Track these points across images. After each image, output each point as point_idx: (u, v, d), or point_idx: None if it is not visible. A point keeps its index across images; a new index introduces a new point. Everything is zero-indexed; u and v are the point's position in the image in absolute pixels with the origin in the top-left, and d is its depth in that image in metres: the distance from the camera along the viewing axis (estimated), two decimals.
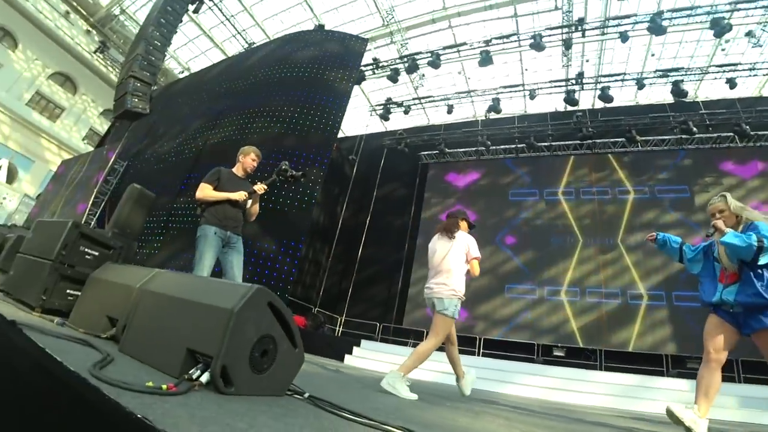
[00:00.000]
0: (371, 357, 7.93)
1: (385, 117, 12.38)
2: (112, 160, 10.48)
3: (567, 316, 9.98)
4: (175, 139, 9.83)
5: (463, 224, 3.51)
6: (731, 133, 10.54)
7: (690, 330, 8.74)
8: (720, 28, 9.37)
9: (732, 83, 10.68)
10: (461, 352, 6.31)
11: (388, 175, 13.07)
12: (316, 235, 11.73)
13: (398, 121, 13.75)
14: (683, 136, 10.73)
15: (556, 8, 11.31)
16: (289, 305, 9.59)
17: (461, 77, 13.73)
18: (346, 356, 8.00)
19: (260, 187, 3.32)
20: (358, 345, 8.51)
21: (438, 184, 12.56)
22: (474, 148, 12.12)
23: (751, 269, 2.42)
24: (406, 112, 12.40)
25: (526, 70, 13.87)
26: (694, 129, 10.53)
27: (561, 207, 11.16)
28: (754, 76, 11.12)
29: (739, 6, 9.79)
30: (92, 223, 9.93)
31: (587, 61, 13.19)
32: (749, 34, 10.81)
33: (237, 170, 3.48)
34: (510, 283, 10.62)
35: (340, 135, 14.49)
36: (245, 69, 10.66)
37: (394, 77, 11.04)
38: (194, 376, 1.35)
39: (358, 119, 14.93)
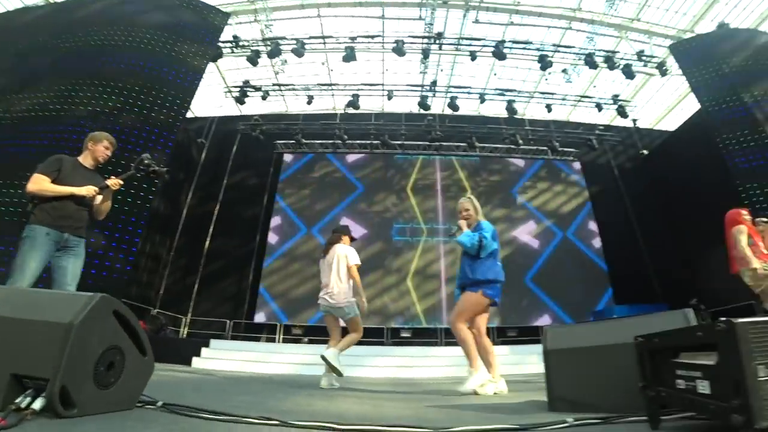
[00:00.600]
0: (222, 357, 8.45)
1: (240, 100, 13.61)
2: None
3: (413, 300, 12.87)
4: None
5: (345, 239, 4.77)
6: (546, 147, 15.18)
7: (507, 306, 12.52)
8: (544, 63, 13.52)
9: (548, 108, 15.29)
10: (318, 342, 8.34)
11: (241, 162, 14.11)
12: (154, 226, 12.05)
13: (254, 106, 15.02)
14: (512, 146, 14.95)
15: (420, 18, 14.21)
16: None
17: (324, 68, 15.94)
18: (194, 359, 8.23)
19: (114, 182, 3.27)
20: (207, 345, 8.97)
21: (294, 173, 14.43)
22: (331, 141, 14.40)
23: (470, 258, 3.68)
24: (264, 98, 13.81)
25: (387, 70, 16.88)
26: (520, 141, 14.78)
27: (409, 202, 14.14)
28: (563, 104, 16.12)
29: (559, 49, 14.38)
30: None
31: (441, 70, 16.82)
32: (564, 71, 15.73)
33: (84, 159, 3.36)
34: (361, 273, 13.05)
35: (189, 115, 15.18)
36: (74, 22, 10.24)
37: (254, 59, 12.38)
38: (23, 404, 1.35)
39: (211, 99, 15.73)
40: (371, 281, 12.49)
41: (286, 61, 14.37)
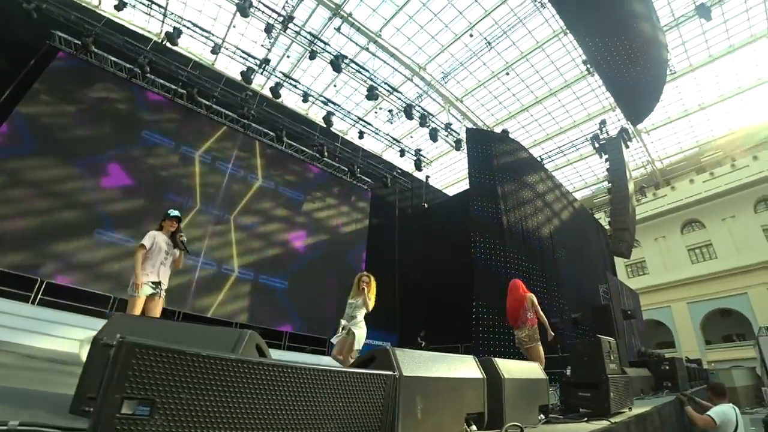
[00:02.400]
0: None
1: None
2: None
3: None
4: None
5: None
6: (346, 169, 15.99)
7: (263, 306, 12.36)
8: (372, 94, 14.24)
9: (361, 134, 16.25)
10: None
11: None
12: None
13: None
14: (316, 155, 15.26)
15: None
16: None
17: None
18: None
19: None
20: None
21: (62, 80, 11.44)
22: (129, 65, 12.26)
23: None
24: None
25: (234, 27, 15.53)
26: (326, 154, 15.23)
27: (193, 168, 12.97)
28: (375, 138, 17.40)
29: (391, 91, 15.49)
30: None
31: (288, 57, 16.32)
32: (390, 112, 17.05)
33: None
34: (107, 225, 11.15)
35: None
36: None
37: None
38: None
39: None
40: (116, 240, 10.90)
41: None
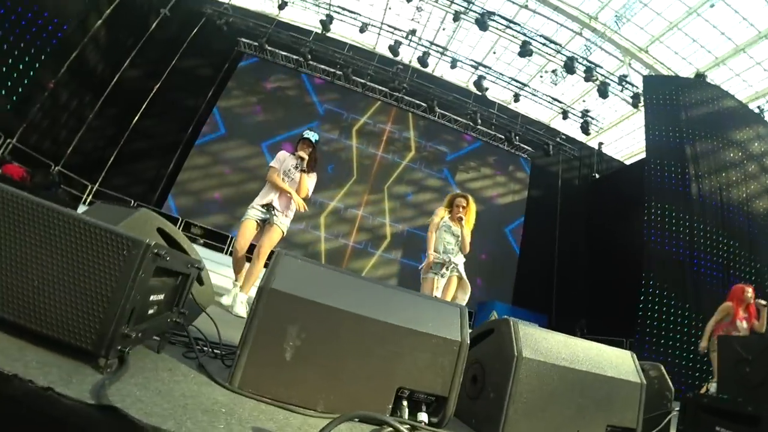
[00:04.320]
0: None
1: None
2: None
3: (320, 236, 13.29)
4: None
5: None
6: (503, 136, 15.07)
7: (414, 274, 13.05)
8: (525, 50, 13.06)
9: (516, 97, 15.01)
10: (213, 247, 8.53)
11: (197, 48, 13.46)
12: (80, 75, 11.67)
13: None
14: (470, 123, 14.79)
15: None
16: (14, 153, 9.98)
17: None
18: None
19: None
20: None
21: (246, 77, 13.94)
22: (295, 56, 13.95)
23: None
24: None
25: (390, 8, 15.93)
26: (479, 122, 14.63)
27: (350, 141, 14.16)
28: (533, 100, 15.73)
29: (546, 43, 13.81)
30: None
31: (444, 29, 15.95)
32: (554, 72, 15.20)
33: None
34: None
35: None
36: None
37: None
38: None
39: None
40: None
41: None
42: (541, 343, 1.83)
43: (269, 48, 13.64)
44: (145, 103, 12.94)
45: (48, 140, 11.14)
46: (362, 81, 14.19)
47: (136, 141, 12.86)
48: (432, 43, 14.25)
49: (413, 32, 13.54)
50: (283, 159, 4.19)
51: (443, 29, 15.61)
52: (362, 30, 13.39)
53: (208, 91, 13.49)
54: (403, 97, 14.38)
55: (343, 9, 13.49)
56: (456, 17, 12.30)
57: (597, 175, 15.28)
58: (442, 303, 1.86)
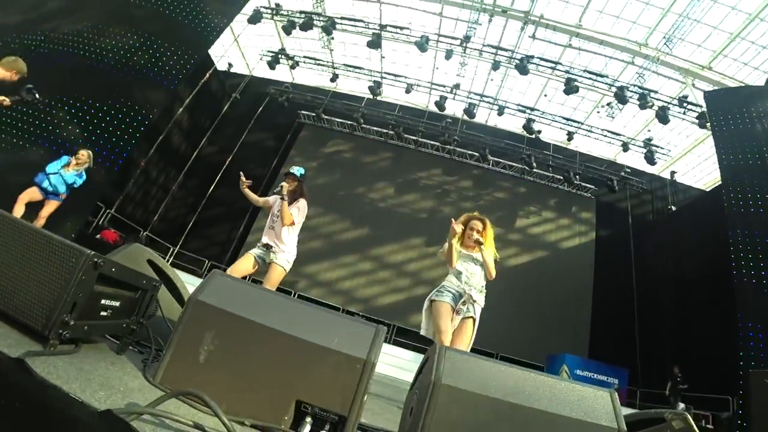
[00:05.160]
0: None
1: (272, 65, 14.76)
2: None
3: (381, 290, 13.37)
4: (25, 14, 11.13)
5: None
6: (561, 177, 14.69)
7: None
8: (570, 87, 13.17)
9: (570, 136, 14.80)
10: None
11: (264, 124, 15.17)
12: (170, 159, 13.72)
13: (284, 73, 16.15)
14: (525, 168, 14.67)
15: (477, 22, 14.02)
16: (112, 221, 11.56)
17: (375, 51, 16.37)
18: None
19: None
20: None
21: (306, 145, 15.19)
22: (349, 122, 15.07)
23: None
24: (292, 67, 14.91)
25: (437, 68, 16.90)
26: (534, 164, 14.48)
27: (407, 197, 14.56)
28: (588, 137, 15.39)
29: (589, 76, 13.82)
30: None
31: (492, 80, 16.57)
32: (609, 105, 14.96)
33: None
34: (342, 251, 13.78)
35: (232, 70, 16.65)
36: None
37: (288, 29, 13.38)
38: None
39: (252, 58, 17.04)
40: (348, 263, 13.26)
41: (333, 37, 15.13)
42: (474, 373, 1.67)
43: (325, 116, 14.90)
44: (219, 175, 14.43)
45: (140, 209, 12.77)
46: (414, 138, 14.83)
47: (212, 208, 14.26)
48: (477, 94, 14.74)
49: (457, 86, 14.13)
50: (273, 201, 4.29)
51: (491, 79, 16.16)
52: (408, 91, 14.28)
53: (273, 160, 14.80)
54: (454, 149, 14.76)
55: (389, 74, 14.53)
56: (495, 66, 12.74)
57: (674, 207, 14.13)
58: (358, 323, 1.82)
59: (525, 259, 13.91)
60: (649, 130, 16.07)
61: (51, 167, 5.67)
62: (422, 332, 3.65)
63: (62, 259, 1.58)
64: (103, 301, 1.79)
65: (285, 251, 4.00)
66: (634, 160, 15.03)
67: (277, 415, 1.52)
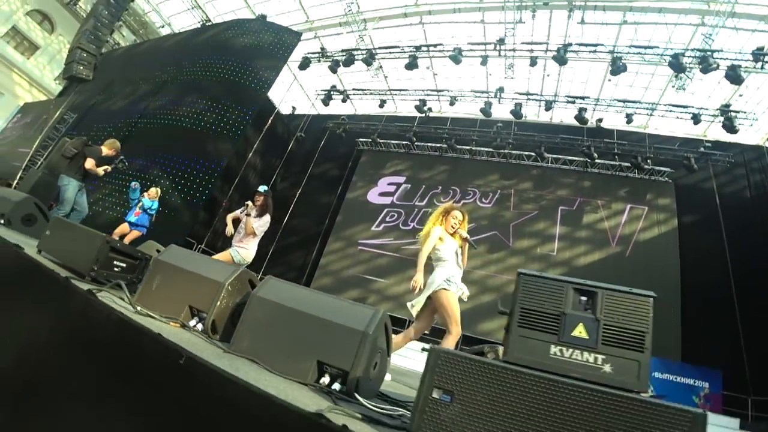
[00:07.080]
0: None
1: (325, 102, 16.25)
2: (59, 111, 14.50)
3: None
4: (125, 99, 14.09)
5: None
6: (629, 164, 13.72)
7: None
8: (615, 67, 12.55)
9: (629, 118, 13.79)
10: None
11: (327, 155, 16.68)
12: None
13: (344, 106, 17.63)
14: (587, 160, 13.99)
15: (521, 21, 13.90)
16: (196, 249, 13.60)
17: (429, 73, 17.14)
18: None
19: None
20: None
21: (367, 169, 16.22)
22: (404, 142, 15.80)
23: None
24: (344, 101, 16.24)
25: (491, 74, 17.17)
26: (595, 155, 13.77)
27: (467, 206, 14.68)
28: (649, 115, 14.24)
29: (633, 50, 12.96)
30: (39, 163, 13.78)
31: (548, 75, 16.14)
32: (676, 77, 13.74)
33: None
34: (408, 265, 14.30)
35: (297, 112, 18.62)
36: (191, 48, 14.42)
37: (333, 68, 14.76)
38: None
39: (313, 100, 18.80)
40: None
41: (380, 66, 16.28)
42: (280, 291, 2.45)
43: (381, 140, 15.87)
44: (292, 206, 16.05)
45: (227, 243, 14.68)
46: (467, 147, 15.09)
47: (288, 237, 15.85)
48: (523, 93, 14.64)
49: (501, 89, 14.20)
50: (240, 214, 5.46)
51: (548, 75, 15.88)
52: (452, 103, 14.76)
53: (338, 187, 16.08)
54: (510, 152, 14.68)
55: (433, 90, 15.12)
56: (533, 62, 12.66)
57: None
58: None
59: (597, 256, 13.18)
60: (740, 95, 14.40)
61: (133, 201, 7.78)
62: (409, 305, 3.93)
63: (91, 239, 3.14)
64: (115, 262, 3.23)
65: (241, 248, 5.26)
66: (716, 132, 13.56)
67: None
